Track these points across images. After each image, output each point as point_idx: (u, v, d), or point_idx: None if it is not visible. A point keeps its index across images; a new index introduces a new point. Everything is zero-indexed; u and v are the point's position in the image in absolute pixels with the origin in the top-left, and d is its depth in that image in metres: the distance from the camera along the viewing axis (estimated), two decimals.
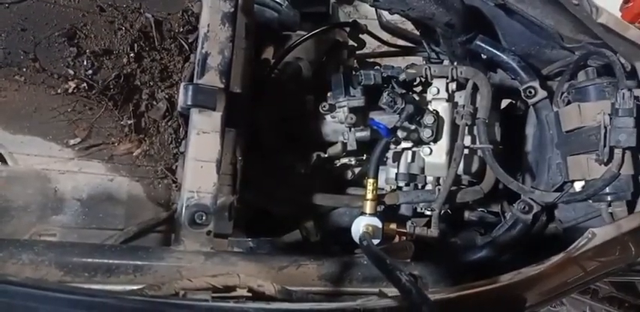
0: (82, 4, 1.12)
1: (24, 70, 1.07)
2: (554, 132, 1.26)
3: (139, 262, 0.88)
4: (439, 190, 1.31)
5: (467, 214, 1.44)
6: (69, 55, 1.09)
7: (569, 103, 1.23)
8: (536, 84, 1.27)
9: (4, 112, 1.05)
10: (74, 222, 1.03)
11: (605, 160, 1.09)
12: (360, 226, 1.23)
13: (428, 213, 1.37)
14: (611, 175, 1.08)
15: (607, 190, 1.12)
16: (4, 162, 1.03)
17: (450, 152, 1.32)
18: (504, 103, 1.51)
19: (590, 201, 1.19)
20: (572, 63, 1.26)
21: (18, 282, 0.64)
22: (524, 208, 1.23)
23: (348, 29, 1.73)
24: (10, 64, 1.06)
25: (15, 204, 1.00)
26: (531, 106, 1.32)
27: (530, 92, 1.28)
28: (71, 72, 1.09)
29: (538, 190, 1.23)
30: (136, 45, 1.14)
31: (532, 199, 1.22)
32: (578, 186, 1.20)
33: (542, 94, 1.27)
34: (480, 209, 1.46)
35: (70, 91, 1.08)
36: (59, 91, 1.09)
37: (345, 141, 1.43)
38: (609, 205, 1.15)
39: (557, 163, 1.24)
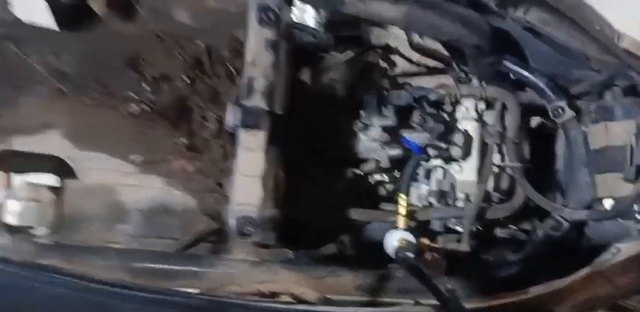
0: (143, 33, 1.24)
1: (92, 93, 1.19)
2: (582, 150, 1.28)
3: (196, 269, 0.96)
4: (469, 206, 1.35)
5: (498, 230, 1.44)
6: (131, 80, 1.20)
7: (596, 122, 1.26)
8: (563, 104, 1.29)
9: (75, 132, 1.17)
10: (136, 231, 1.13)
11: (632, 178, 1.12)
12: (393, 240, 1.26)
13: (459, 229, 1.39)
14: (638, 193, 1.11)
15: (635, 207, 1.14)
16: (75, 176, 1.14)
17: (480, 170, 1.35)
18: (534, 121, 1.55)
19: (619, 219, 1.21)
20: (599, 83, 1.28)
21: (98, 280, 0.73)
22: (554, 225, 1.24)
23: (380, 51, 1.80)
24: (80, 88, 1.19)
25: (85, 215, 1.11)
26: (560, 125, 1.35)
27: (558, 112, 1.30)
28: (133, 95, 1.20)
29: (568, 208, 1.24)
30: (189, 70, 1.25)
31: (562, 217, 1.24)
32: (607, 204, 1.22)
33: (569, 113, 1.29)
34: (510, 226, 1.46)
35: (132, 112, 1.20)
36: (123, 112, 1.20)
37: (378, 158, 1.48)
38: (638, 223, 1.17)
39: (586, 181, 1.26)
